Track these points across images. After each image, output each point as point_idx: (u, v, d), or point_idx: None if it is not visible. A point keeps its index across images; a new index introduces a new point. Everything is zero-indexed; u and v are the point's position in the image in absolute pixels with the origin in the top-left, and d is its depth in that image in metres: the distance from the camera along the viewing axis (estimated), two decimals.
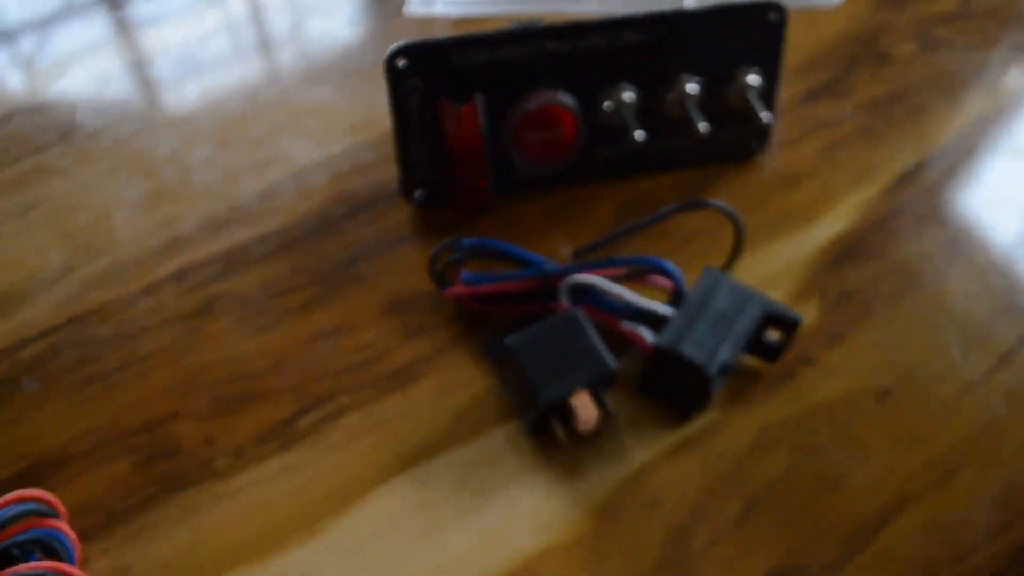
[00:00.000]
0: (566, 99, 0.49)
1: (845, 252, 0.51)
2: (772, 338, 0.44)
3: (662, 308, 0.42)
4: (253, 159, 0.56)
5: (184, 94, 0.63)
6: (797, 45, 0.61)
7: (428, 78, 0.47)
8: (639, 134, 0.49)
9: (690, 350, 0.40)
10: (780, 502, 0.39)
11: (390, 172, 0.52)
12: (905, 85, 0.62)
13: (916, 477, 0.40)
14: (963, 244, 0.51)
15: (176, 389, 0.43)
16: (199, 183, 0.55)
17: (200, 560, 0.37)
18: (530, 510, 0.39)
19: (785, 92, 0.60)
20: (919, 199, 0.54)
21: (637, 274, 0.43)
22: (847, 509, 0.39)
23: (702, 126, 0.49)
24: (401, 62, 0.46)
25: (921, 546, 0.38)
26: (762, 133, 0.55)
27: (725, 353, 0.41)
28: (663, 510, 0.39)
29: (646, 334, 0.42)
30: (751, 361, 0.44)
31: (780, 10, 0.50)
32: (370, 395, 0.43)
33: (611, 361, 0.40)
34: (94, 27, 0.68)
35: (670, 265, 0.43)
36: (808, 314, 0.46)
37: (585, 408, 0.39)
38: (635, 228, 0.47)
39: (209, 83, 0.64)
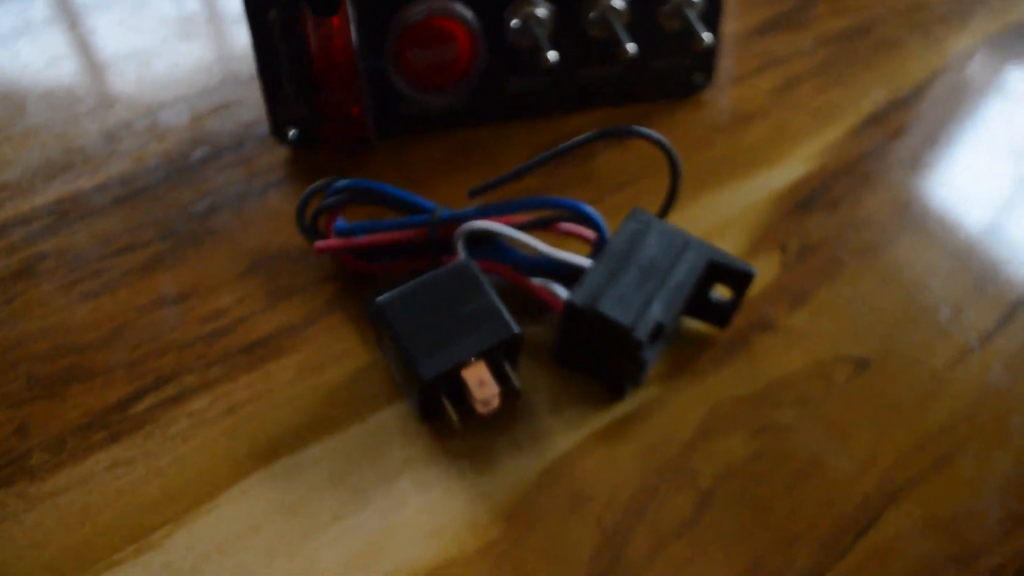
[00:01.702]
0: (460, 10, 0.42)
1: (807, 200, 0.44)
2: (720, 297, 0.38)
3: (581, 260, 0.36)
4: (99, 94, 0.49)
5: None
6: None
7: None
8: (552, 55, 0.41)
9: (611, 308, 0.33)
10: (740, 497, 0.34)
11: (263, 110, 0.46)
12: (872, 18, 0.55)
13: (907, 463, 0.35)
14: (945, 191, 0.45)
15: None
16: (32, 123, 0.48)
17: None
18: (424, 512, 0.33)
19: (735, 25, 0.54)
20: (892, 142, 0.47)
21: (549, 221, 0.37)
22: (825, 505, 0.34)
23: (630, 47, 0.42)
24: None
25: (918, 547, 0.33)
26: (705, 63, 0.48)
27: (658, 312, 0.33)
28: (594, 509, 0.33)
29: (561, 293, 0.37)
30: (697, 326, 0.39)
31: None
32: (223, 373, 0.37)
33: (513, 324, 0.34)
34: None
35: (589, 208, 0.36)
36: (765, 271, 0.41)
37: (481, 383, 0.33)
38: (544, 160, 0.38)
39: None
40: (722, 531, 0.33)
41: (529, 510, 0.33)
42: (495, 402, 0.33)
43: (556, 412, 0.36)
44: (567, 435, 0.35)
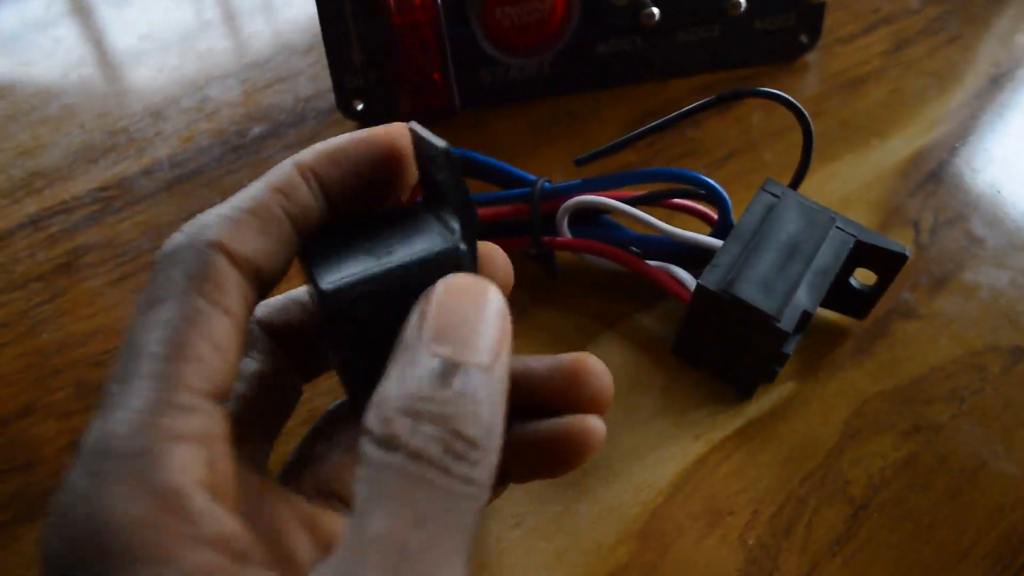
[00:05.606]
0: None
1: (936, 171, 0.40)
2: (860, 283, 0.33)
3: (709, 241, 0.32)
4: (141, 68, 0.45)
5: None
6: None
7: None
8: (654, 12, 0.39)
9: (752, 294, 0.29)
10: (898, 508, 0.30)
11: (327, 81, 0.42)
12: None
13: None
14: None
15: (28, 375, 0.33)
16: (68, 102, 0.44)
17: None
18: (539, 532, 0.29)
19: None
20: None
21: (661, 196, 0.34)
22: (993, 514, 0.30)
23: (741, 1, 0.39)
24: None
25: None
26: (813, 21, 0.44)
27: (804, 298, 0.30)
28: (735, 526, 0.29)
29: (683, 277, 0.33)
30: (829, 315, 0.35)
31: None
32: None
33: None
34: None
35: (712, 181, 0.32)
36: None
37: None
38: (656, 128, 0.34)
39: None
40: (881, 547, 0.29)
41: (662, 528, 0.29)
42: None
43: (679, 414, 0.32)
44: (695, 441, 0.31)
